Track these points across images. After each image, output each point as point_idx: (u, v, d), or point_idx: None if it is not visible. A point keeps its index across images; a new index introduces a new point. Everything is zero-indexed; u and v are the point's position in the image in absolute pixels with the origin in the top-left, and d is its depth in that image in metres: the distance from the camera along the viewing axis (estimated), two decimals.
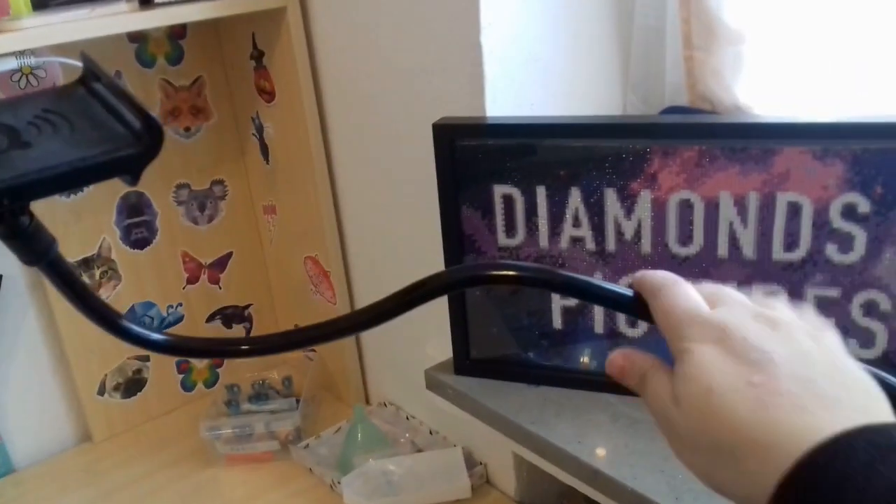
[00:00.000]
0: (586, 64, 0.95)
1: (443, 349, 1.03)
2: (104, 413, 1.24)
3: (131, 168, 0.40)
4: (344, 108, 1.09)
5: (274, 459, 1.15)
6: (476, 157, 0.84)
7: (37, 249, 0.43)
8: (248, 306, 1.34)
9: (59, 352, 1.20)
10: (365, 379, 1.26)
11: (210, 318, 1.31)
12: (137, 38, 1.14)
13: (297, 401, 1.19)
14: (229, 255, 1.30)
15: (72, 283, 0.45)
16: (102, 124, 0.42)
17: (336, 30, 1.05)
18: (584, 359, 0.88)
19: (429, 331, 1.09)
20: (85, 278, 1.16)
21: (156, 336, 0.49)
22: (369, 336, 1.21)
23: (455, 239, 0.87)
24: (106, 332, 0.48)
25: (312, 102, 1.09)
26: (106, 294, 1.19)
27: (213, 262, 1.29)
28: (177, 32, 1.18)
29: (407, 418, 1.17)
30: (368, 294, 1.18)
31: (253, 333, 1.35)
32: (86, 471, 1.19)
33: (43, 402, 1.22)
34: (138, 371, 1.25)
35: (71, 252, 1.15)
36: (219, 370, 1.34)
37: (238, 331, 1.34)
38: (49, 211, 1.11)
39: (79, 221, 1.15)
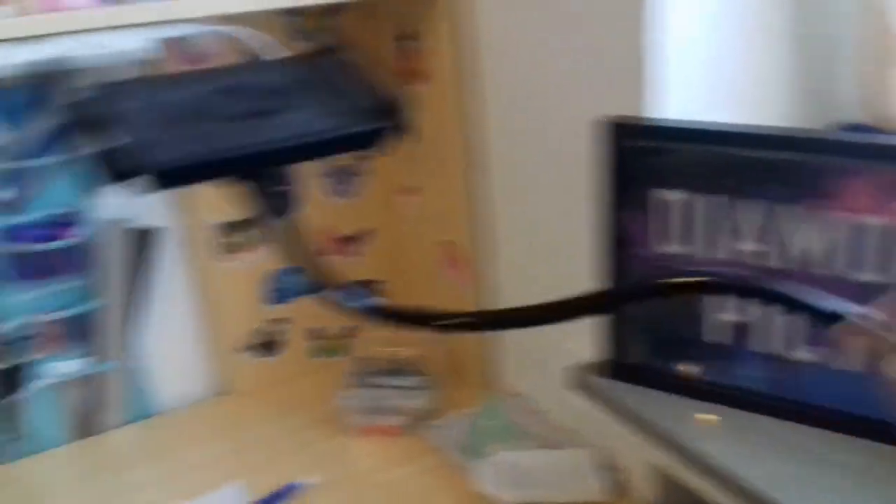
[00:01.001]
0: (756, 71, 0.90)
1: (583, 346, 1.01)
2: (241, 370, 1.28)
3: (378, 142, 0.40)
4: (501, 98, 1.08)
5: (401, 435, 1.17)
6: (641, 159, 0.81)
7: (279, 209, 0.44)
8: (382, 282, 1.36)
9: (206, 308, 1.25)
10: (495, 367, 1.26)
11: None
12: (294, 12, 1.16)
13: (427, 381, 1.20)
14: (365, 231, 1.32)
15: (299, 244, 0.46)
16: (348, 97, 0.42)
17: (499, 16, 1.04)
18: (745, 378, 0.84)
19: (567, 326, 1.07)
20: (234, 239, 1.20)
21: (368, 302, 0.50)
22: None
23: (610, 240, 0.84)
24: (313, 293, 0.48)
25: (470, 88, 1.08)
26: (253, 256, 1.22)
27: (348, 236, 1.31)
28: (332, 8, 1.19)
29: (536, 412, 1.16)
30: (501, 285, 1.17)
31: None
32: (220, 423, 1.24)
33: (187, 353, 1.27)
34: (277, 333, 1.29)
35: (225, 214, 1.19)
36: (349, 342, 1.36)
37: None
38: None
39: None
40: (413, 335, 1.35)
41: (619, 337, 0.89)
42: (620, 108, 0.86)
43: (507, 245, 1.16)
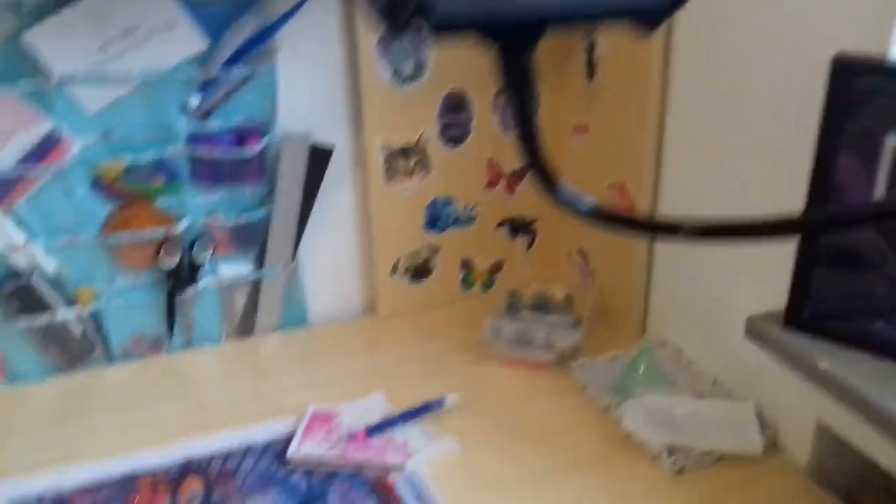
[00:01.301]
0: None
1: (753, 297, 0.98)
2: (391, 292, 1.32)
3: (652, 20, 0.39)
4: (694, 38, 1.04)
5: (546, 370, 1.17)
6: (872, 102, 0.76)
7: (524, 81, 0.43)
8: (533, 221, 1.36)
9: (367, 228, 1.29)
10: (646, 313, 1.24)
11: (499, 225, 1.34)
12: None
13: (576, 320, 1.20)
14: None
15: (533, 128, 0.46)
16: None
17: None
18: None
19: (735, 276, 1.04)
20: (401, 165, 1.23)
21: (585, 203, 0.49)
22: (662, 270, 1.18)
23: (823, 185, 0.80)
24: (539, 187, 0.48)
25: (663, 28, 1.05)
26: (417, 183, 1.25)
27: (514, 171, 1.31)
28: None
29: (688, 362, 1.14)
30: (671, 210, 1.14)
31: (534, 248, 1.37)
32: (367, 340, 1.28)
33: (344, 270, 1.32)
34: (428, 260, 1.31)
35: (396, 137, 1.22)
36: (496, 276, 1.37)
37: (521, 242, 1.36)
38: (385, 98, 1.18)
39: (407, 111, 1.20)
40: (561, 274, 1.35)
41: (808, 288, 0.85)
42: (835, 45, 0.81)
43: (675, 187, 1.13)
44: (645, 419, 1.00)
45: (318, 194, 1.22)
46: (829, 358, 0.82)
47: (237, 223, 1.19)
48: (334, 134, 1.22)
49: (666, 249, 1.17)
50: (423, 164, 1.24)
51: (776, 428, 1.00)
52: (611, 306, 1.27)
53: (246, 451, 1.00)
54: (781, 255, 0.89)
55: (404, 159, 1.23)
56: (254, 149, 1.15)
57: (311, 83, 1.19)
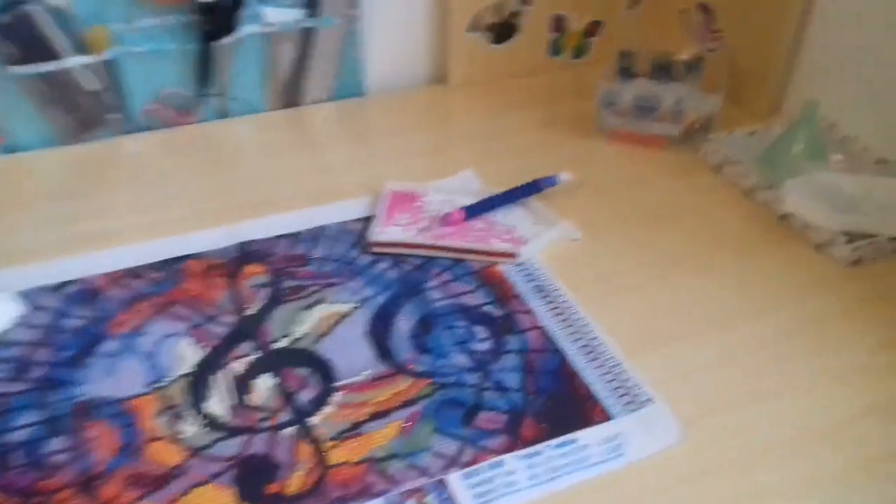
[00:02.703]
0: None
1: None
2: (467, 54, 1.07)
3: None
4: None
5: (669, 147, 0.96)
6: None
7: None
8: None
9: None
10: (787, 85, 1.01)
11: None
12: None
13: (704, 88, 0.96)
14: None
15: None
16: None
17: None
18: None
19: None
20: None
21: None
22: (820, 25, 0.94)
23: None
24: None
25: None
26: None
27: None
28: None
29: (844, 139, 0.93)
30: None
31: (640, 4, 1.12)
32: (442, 111, 1.05)
33: (410, 26, 1.06)
34: (516, 15, 1.06)
35: None
36: (591, 40, 1.13)
37: None
38: None
39: None
40: (671, 40, 1.10)
41: None
42: None
43: None
44: (813, 198, 0.81)
45: None
46: None
47: None
48: None
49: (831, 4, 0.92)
50: None
51: None
52: (741, 75, 1.03)
53: (316, 236, 0.81)
54: None
55: None
56: None
57: None
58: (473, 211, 0.82)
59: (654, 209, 0.86)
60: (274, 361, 0.66)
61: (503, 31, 1.06)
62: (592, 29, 1.11)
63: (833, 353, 0.68)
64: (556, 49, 1.11)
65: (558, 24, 1.09)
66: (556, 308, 0.72)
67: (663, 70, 0.98)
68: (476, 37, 1.05)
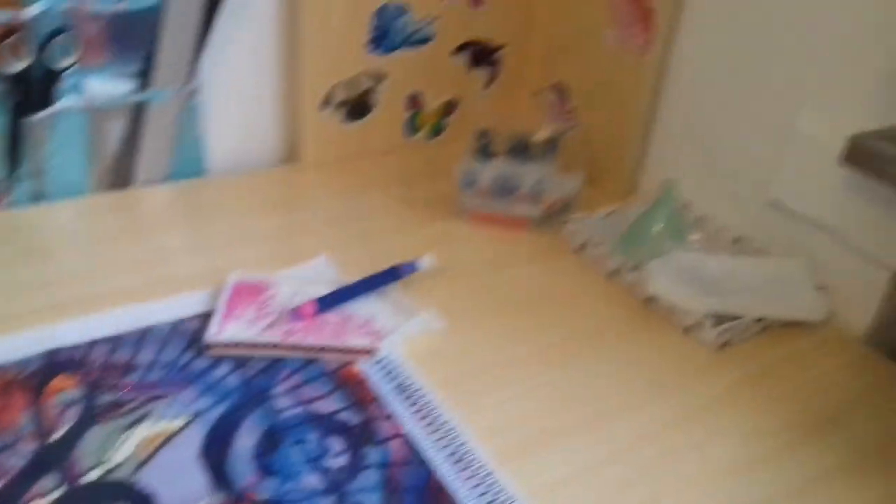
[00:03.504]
0: None
1: (819, 124, 0.78)
2: (320, 132, 1.01)
3: None
4: None
5: (529, 229, 0.93)
6: None
7: None
8: (500, 47, 1.08)
9: (291, 40, 0.96)
10: (643, 162, 1.01)
11: (458, 50, 1.05)
12: None
13: (563, 169, 0.95)
14: None
15: None
16: None
17: None
18: None
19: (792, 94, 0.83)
20: None
21: None
22: (672, 107, 0.95)
23: None
24: None
25: None
26: None
27: None
28: None
29: (700, 218, 0.93)
30: (691, 48, 0.90)
31: (494, 84, 1.10)
32: (291, 194, 0.97)
33: (256, 102, 0.99)
34: (368, 92, 1.01)
35: None
36: (447, 119, 1.10)
37: (481, 75, 1.09)
38: None
39: None
40: (523, 120, 1.09)
41: None
42: None
43: None
44: (677, 280, 0.79)
45: None
46: None
47: (114, 13, 0.83)
48: None
49: (679, 83, 0.93)
50: None
51: (828, 289, 0.81)
52: (597, 155, 1.03)
53: (142, 338, 0.70)
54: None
55: None
56: None
57: None
58: (327, 303, 0.75)
59: (519, 294, 0.82)
60: (83, 498, 0.55)
61: (357, 108, 1.01)
62: (449, 108, 1.08)
63: (711, 444, 0.64)
64: (412, 128, 1.07)
65: (414, 103, 1.05)
66: (420, 411, 0.65)
67: (521, 150, 0.96)
68: (329, 114, 1.00)
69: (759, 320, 0.76)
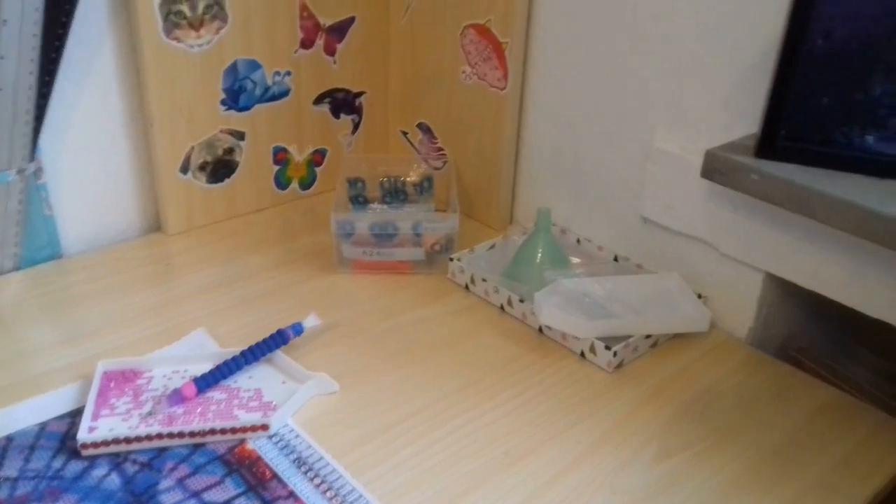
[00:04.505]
0: None
1: (674, 141, 0.80)
2: (183, 198, 0.95)
3: None
4: None
5: (413, 272, 0.91)
6: None
7: None
8: (360, 94, 1.07)
9: (139, 106, 0.91)
10: (514, 192, 1.01)
11: (318, 100, 1.03)
12: None
13: (439, 208, 0.94)
14: (351, 20, 1.01)
15: None
16: None
17: None
18: None
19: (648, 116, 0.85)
20: (184, 9, 0.86)
21: None
22: (534, 137, 0.96)
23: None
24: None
25: None
26: (207, 36, 0.89)
27: (334, 25, 1.00)
28: None
29: (578, 241, 0.94)
30: (545, 76, 0.92)
31: (360, 130, 1.08)
32: (157, 267, 0.92)
33: (109, 173, 0.92)
34: (230, 151, 0.97)
35: None
36: (318, 169, 1.07)
37: (345, 123, 1.07)
38: None
39: None
40: (394, 161, 1.08)
41: (786, 103, 0.67)
42: None
43: (548, 28, 0.90)
44: (565, 308, 0.79)
45: (65, 50, 0.82)
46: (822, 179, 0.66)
47: None
48: None
49: (539, 111, 0.95)
50: (217, 9, 0.89)
51: (708, 298, 0.84)
52: (470, 190, 1.03)
53: (4, 447, 0.63)
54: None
55: (189, 1, 0.87)
56: None
57: None
58: (208, 380, 0.70)
59: (413, 342, 0.80)
60: None
61: (220, 168, 0.97)
62: (317, 158, 1.06)
63: (622, 474, 0.64)
64: (281, 182, 1.04)
65: (280, 156, 1.02)
66: (322, 484, 0.61)
67: (395, 193, 0.95)
68: (189, 178, 0.95)
69: (648, 337, 0.78)
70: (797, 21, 0.65)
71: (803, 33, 0.65)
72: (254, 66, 0.94)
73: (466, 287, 0.88)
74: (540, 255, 0.84)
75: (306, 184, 1.06)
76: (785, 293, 0.80)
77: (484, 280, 0.85)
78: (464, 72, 0.96)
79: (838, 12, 0.64)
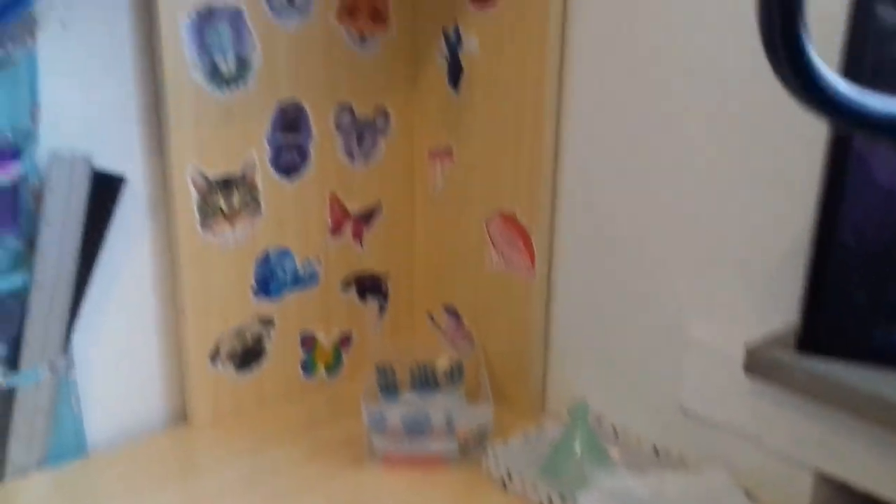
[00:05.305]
0: None
1: (710, 332, 0.80)
2: (211, 388, 0.94)
3: None
4: (594, 28, 0.86)
5: (447, 466, 0.88)
6: None
7: None
8: (386, 276, 1.07)
9: (171, 296, 0.91)
10: (546, 378, 1.00)
11: (345, 284, 1.03)
12: None
13: (470, 396, 0.93)
14: (377, 206, 1.04)
15: None
16: None
17: None
18: None
19: (678, 307, 0.85)
20: (221, 204, 0.89)
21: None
22: (564, 320, 0.96)
23: (839, 165, 0.64)
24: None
25: (558, 10, 0.86)
26: (243, 229, 0.91)
27: (361, 212, 1.02)
28: None
29: (615, 431, 0.91)
30: (571, 263, 0.93)
31: (387, 313, 1.08)
32: (182, 463, 0.89)
33: (137, 361, 0.92)
34: (258, 339, 0.96)
35: (214, 164, 0.87)
36: (344, 354, 1.06)
37: (372, 306, 1.07)
38: (199, 106, 0.85)
39: (229, 125, 0.87)
40: (421, 344, 1.07)
41: (821, 298, 0.67)
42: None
43: (574, 218, 0.92)
44: None
45: (103, 249, 0.84)
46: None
47: None
48: (124, 156, 0.85)
49: (568, 297, 0.95)
50: (252, 201, 0.92)
51: (759, 499, 0.80)
52: (500, 375, 1.01)
53: None
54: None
55: (226, 195, 0.89)
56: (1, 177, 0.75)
57: (90, 79, 0.83)
58: None
59: None
60: None
61: (248, 356, 0.96)
62: (344, 342, 1.05)
63: None
64: (308, 368, 1.02)
65: (307, 342, 1.01)
66: None
67: (425, 380, 0.94)
68: (218, 367, 0.94)
69: None
70: (825, 224, 0.66)
71: (831, 235, 0.66)
72: (285, 254, 0.96)
73: (502, 481, 0.84)
74: (578, 450, 0.82)
75: (333, 369, 1.05)
76: (837, 493, 0.76)
77: (521, 476, 0.82)
78: (490, 256, 0.98)
79: (866, 217, 0.65)
